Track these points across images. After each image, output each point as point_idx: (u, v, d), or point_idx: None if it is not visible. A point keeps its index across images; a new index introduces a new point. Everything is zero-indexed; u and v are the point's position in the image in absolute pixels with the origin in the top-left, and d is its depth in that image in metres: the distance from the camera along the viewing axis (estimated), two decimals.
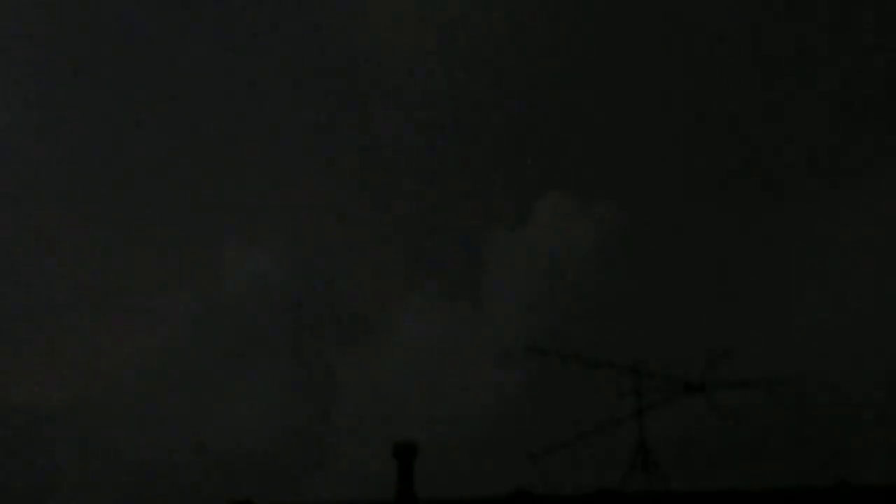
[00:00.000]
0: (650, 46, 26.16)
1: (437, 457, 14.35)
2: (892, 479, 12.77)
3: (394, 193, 26.33)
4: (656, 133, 25.52)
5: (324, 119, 27.06)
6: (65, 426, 21.48)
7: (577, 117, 26.18)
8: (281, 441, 21.50)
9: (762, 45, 25.63)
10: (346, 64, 27.29)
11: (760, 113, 25.28)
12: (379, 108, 27.08)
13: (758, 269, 22.87)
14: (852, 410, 17.25)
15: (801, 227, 23.77)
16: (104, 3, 27.32)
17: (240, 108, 27.34)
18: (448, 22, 27.14)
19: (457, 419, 20.06)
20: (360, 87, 27.28)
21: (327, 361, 24.02)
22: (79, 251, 26.10)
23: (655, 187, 25.08)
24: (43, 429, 21.35)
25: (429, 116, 26.78)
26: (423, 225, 25.94)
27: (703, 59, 25.74)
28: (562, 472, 13.53)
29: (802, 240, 23.50)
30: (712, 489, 12.75)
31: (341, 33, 27.41)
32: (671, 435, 13.90)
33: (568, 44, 26.59)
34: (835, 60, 25.17)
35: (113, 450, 20.59)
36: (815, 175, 24.59)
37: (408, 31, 27.29)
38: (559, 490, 12.79)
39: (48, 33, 27.37)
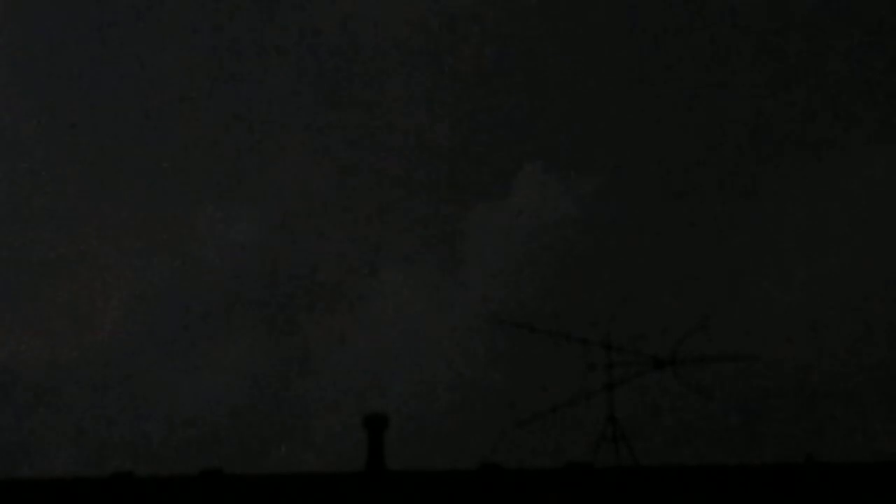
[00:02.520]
0: (633, 18, 26.10)
1: (410, 429, 14.39)
2: (859, 455, 12.87)
3: (373, 161, 26.29)
4: (638, 106, 25.50)
5: (303, 89, 26.97)
6: (36, 391, 21.45)
7: (560, 88, 26.15)
8: (253, 410, 21.51)
9: (744, 22, 25.62)
10: (320, 33, 27.17)
11: (743, 89, 25.30)
12: (357, 78, 27.00)
13: (734, 245, 22.94)
14: (820, 387, 17.37)
15: (778, 205, 23.84)
16: None
17: (219, 75, 27.22)
18: None
19: (430, 391, 20.11)
20: (337, 59, 27.18)
21: (302, 330, 24.03)
22: (52, 215, 25.99)
23: (636, 160, 25.09)
24: (15, 393, 21.33)
25: (408, 85, 26.72)
26: (402, 194, 25.89)
27: (687, 32, 25.71)
28: (531, 446, 13.59)
29: (778, 218, 23.58)
30: (681, 464, 12.82)
31: (321, 7, 27.28)
32: (641, 409, 13.97)
33: (549, 15, 26.52)
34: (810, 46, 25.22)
35: (85, 416, 20.57)
36: (792, 154, 24.66)
37: (388, 5, 27.18)
38: (529, 463, 12.83)
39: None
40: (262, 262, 25.18)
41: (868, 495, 12.31)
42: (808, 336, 18.83)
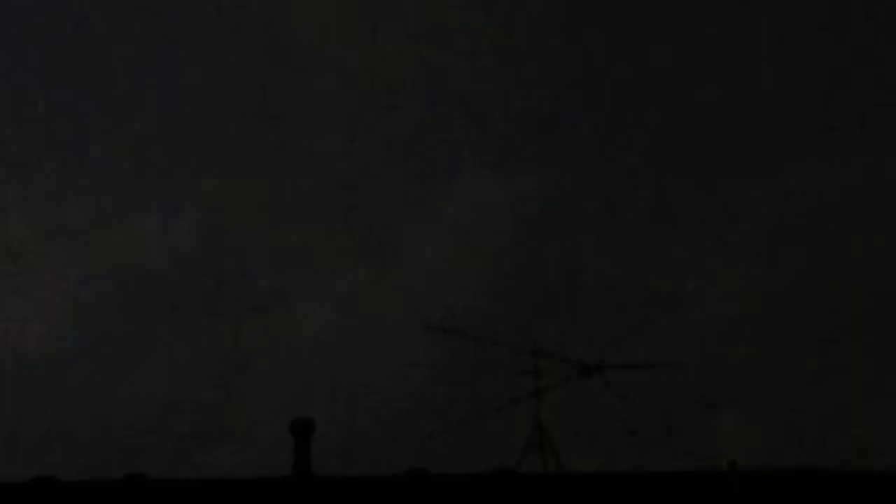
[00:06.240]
0: (574, 19, 26.17)
1: (339, 434, 14.36)
2: (780, 462, 13.01)
3: (310, 166, 26.26)
4: (576, 112, 25.59)
5: (240, 91, 26.90)
6: None
7: (497, 93, 26.20)
8: (184, 414, 21.40)
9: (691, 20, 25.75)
10: (261, 40, 27.13)
11: (684, 95, 25.44)
12: (295, 80, 26.96)
13: (663, 254, 23.10)
14: (745, 394, 17.52)
15: (708, 216, 24.05)
16: None
17: (155, 78, 27.09)
18: None
19: (361, 397, 20.09)
20: (275, 60, 27.13)
21: (240, 335, 23.95)
22: None
23: (573, 166, 25.18)
24: None
25: (345, 89, 26.72)
26: (339, 199, 25.88)
27: (631, 30, 25.81)
28: (459, 452, 13.60)
29: (709, 227, 23.77)
30: (607, 471, 12.87)
31: (257, 9, 27.22)
32: (568, 416, 14.00)
33: (485, 18, 26.58)
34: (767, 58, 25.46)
35: (15, 419, 20.37)
36: (727, 167, 24.87)
37: (323, 5, 27.16)
38: (455, 469, 12.83)
39: None
40: (198, 267, 25.10)
41: (791, 502, 12.41)
42: (734, 343, 19.00)
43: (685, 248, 23.28)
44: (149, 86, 26.70)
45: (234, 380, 22.79)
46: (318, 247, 25.31)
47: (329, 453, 13.21)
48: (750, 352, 19.04)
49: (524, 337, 13.76)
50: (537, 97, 25.66)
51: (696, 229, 23.67)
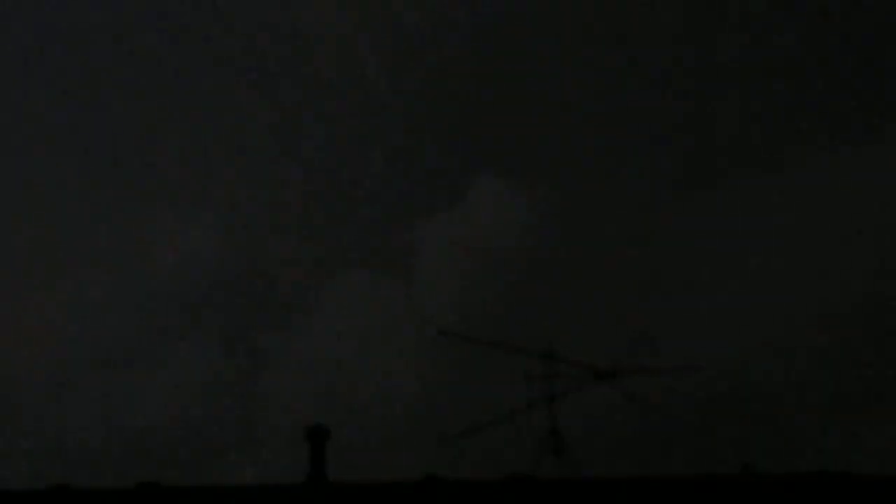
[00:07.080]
0: (585, 30, 26.22)
1: (355, 440, 14.35)
2: (796, 466, 12.94)
3: (328, 172, 26.32)
4: (590, 118, 25.60)
5: (257, 98, 26.96)
6: None
7: (514, 101, 26.22)
8: (202, 422, 21.43)
9: (698, 28, 25.75)
10: (279, 43, 27.19)
11: (696, 100, 25.44)
12: (311, 88, 27.02)
13: (678, 259, 23.08)
14: (760, 398, 17.47)
15: (724, 220, 24.02)
16: None
17: (174, 83, 27.17)
18: (381, 2, 27.12)
19: (377, 403, 20.11)
20: (292, 66, 27.19)
21: (256, 341, 23.98)
22: (6, 223, 25.85)
23: (587, 172, 25.20)
24: None
25: (361, 96, 26.77)
26: (357, 205, 25.94)
27: (641, 40, 25.83)
28: (473, 457, 13.58)
29: (723, 232, 23.76)
30: (622, 476, 12.84)
31: (276, 14, 27.29)
32: (583, 421, 13.97)
33: (501, 28, 26.62)
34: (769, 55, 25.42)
35: (30, 426, 20.42)
36: (735, 171, 24.87)
37: (341, 11, 27.21)
38: (470, 475, 12.81)
39: None
40: (219, 274, 25.16)
41: None
42: (749, 348, 18.98)
43: (697, 250, 23.27)
44: (168, 85, 26.80)
45: (250, 386, 22.82)
46: (333, 253, 25.36)
47: (344, 459, 13.21)
48: (762, 355, 19.04)
49: (538, 341, 13.74)
50: (551, 105, 25.70)
51: (707, 231, 23.66)
